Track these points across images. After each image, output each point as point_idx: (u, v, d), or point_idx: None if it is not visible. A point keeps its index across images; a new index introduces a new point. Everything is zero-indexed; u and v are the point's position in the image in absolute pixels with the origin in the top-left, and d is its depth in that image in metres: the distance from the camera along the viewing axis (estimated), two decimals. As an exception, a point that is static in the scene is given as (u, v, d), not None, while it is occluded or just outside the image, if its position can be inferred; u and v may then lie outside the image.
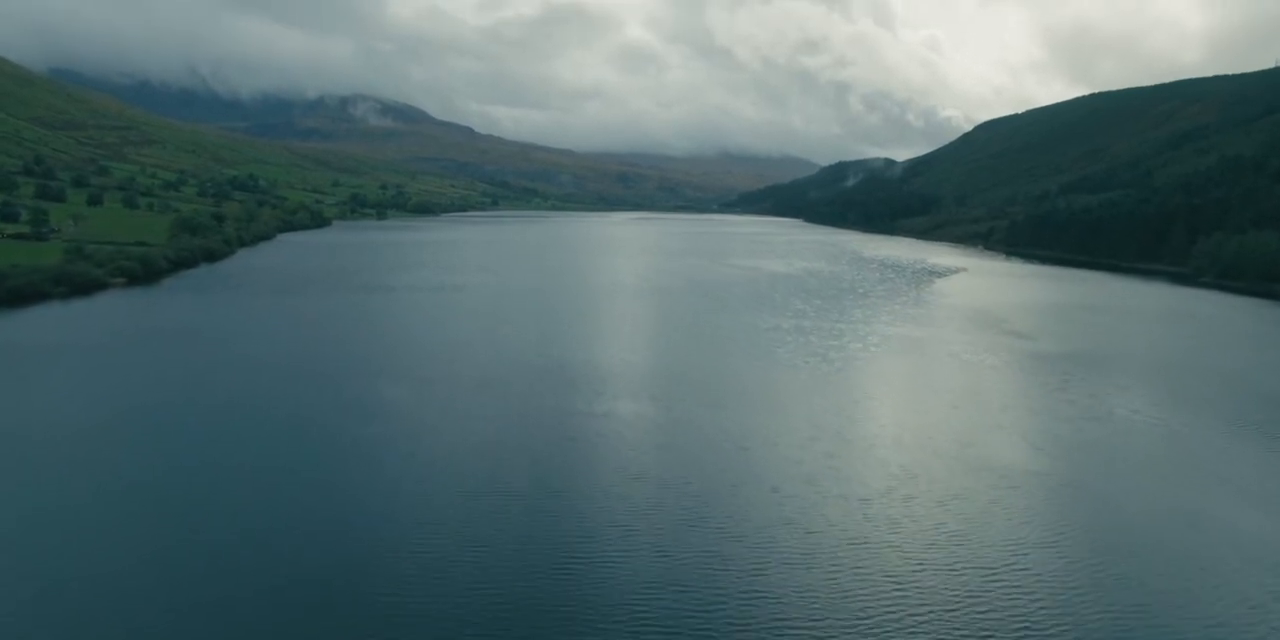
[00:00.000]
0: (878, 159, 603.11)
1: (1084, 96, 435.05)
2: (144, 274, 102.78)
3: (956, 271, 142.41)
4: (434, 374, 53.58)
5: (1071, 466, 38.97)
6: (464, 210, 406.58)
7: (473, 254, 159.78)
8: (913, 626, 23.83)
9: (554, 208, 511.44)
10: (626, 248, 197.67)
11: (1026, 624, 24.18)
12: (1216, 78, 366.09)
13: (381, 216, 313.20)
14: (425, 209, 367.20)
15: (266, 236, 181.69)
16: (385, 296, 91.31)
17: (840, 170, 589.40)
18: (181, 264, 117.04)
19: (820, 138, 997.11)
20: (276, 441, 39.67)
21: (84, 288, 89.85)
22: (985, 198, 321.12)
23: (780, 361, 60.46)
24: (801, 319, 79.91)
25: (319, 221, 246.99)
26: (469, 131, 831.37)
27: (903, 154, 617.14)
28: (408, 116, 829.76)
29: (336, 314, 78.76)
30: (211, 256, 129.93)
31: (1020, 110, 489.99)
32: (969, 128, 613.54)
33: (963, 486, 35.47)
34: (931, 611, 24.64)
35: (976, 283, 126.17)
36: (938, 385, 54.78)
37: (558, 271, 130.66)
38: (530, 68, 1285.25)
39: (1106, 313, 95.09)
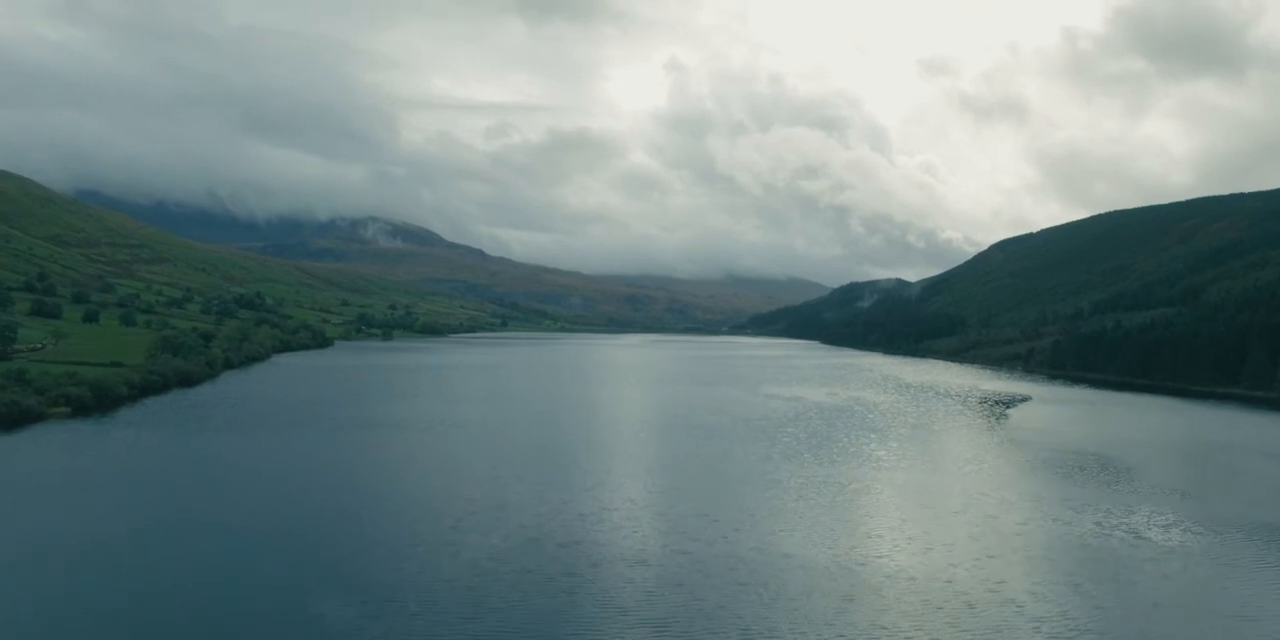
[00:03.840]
0: (889, 279, 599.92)
1: (1102, 214, 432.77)
2: (95, 402, 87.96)
3: (1021, 400, 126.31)
4: (404, 574, 36.38)
5: None
6: (472, 331, 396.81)
7: (477, 380, 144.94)
8: None
9: (563, 329, 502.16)
10: (646, 374, 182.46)
11: None
12: (1234, 195, 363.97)
13: (387, 337, 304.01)
14: (432, 330, 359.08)
15: (260, 357, 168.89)
16: (367, 435, 75.13)
17: (853, 291, 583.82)
18: (149, 389, 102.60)
19: (823, 259, 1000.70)
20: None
21: (12, 419, 74.81)
22: (1011, 318, 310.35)
23: (902, 543, 43.69)
24: (892, 471, 63.38)
25: (320, 342, 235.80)
26: (480, 253, 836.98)
27: (907, 274, 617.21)
28: (419, 238, 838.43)
29: (297, 462, 62.64)
30: (188, 380, 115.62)
31: (1020, 231, 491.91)
32: (970, 248, 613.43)
33: None
34: None
35: (1056, 414, 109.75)
36: (1170, 603, 37.76)
37: (574, 403, 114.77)
38: (537, 192, 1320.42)
39: (1255, 455, 78.12)
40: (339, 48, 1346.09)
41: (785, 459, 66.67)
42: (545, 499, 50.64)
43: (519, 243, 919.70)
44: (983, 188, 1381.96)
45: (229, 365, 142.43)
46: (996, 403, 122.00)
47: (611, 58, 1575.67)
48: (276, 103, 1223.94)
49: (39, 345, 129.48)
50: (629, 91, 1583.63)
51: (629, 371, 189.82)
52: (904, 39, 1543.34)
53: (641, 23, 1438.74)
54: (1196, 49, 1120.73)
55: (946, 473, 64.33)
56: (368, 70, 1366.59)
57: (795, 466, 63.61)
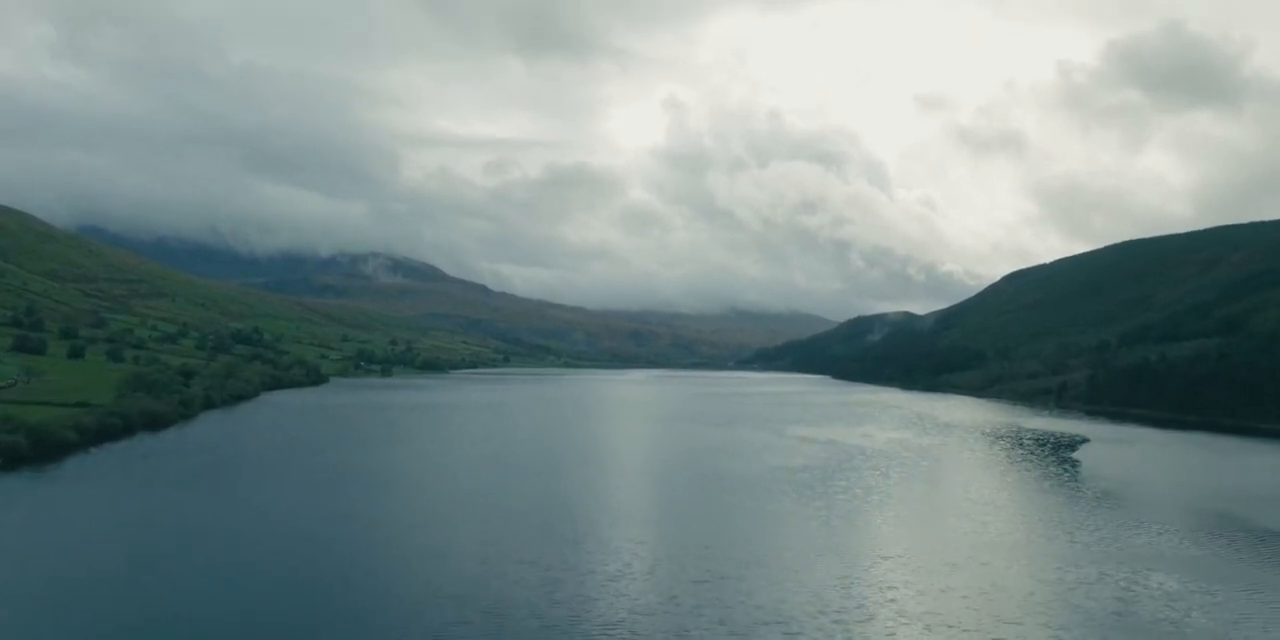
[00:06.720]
0: (897, 313, 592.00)
1: (1114, 245, 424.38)
2: (32, 450, 76.10)
3: (1080, 441, 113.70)
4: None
5: None
6: (474, 367, 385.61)
7: (476, 421, 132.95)
8: None
9: (567, 365, 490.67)
10: (657, 413, 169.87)
11: None
12: (1249, 224, 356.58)
13: (386, 373, 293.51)
14: (433, 366, 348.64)
15: (246, 395, 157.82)
16: (334, 495, 62.76)
17: (861, 325, 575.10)
18: (105, 433, 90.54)
19: (824, 294, 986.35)
20: None
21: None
22: (1030, 350, 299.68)
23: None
24: (981, 539, 50.86)
25: (315, 378, 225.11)
26: (483, 289, 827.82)
27: (910, 307, 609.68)
28: (421, 274, 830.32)
29: (236, 536, 50.16)
30: (156, 422, 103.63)
31: (1021, 264, 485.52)
32: (971, 281, 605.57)
33: None
34: None
35: (1130, 458, 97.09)
36: None
37: (585, 450, 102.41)
38: (538, 228, 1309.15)
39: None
40: (340, 86, 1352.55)
41: (849, 526, 54.18)
42: (556, 595, 37.64)
43: (521, 278, 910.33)
44: (982, 221, 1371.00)
45: (209, 405, 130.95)
46: (1055, 445, 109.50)
47: (610, 95, 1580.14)
48: (278, 140, 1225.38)
49: (9, 382, 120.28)
50: (628, 128, 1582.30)
51: (640, 410, 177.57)
52: (901, 75, 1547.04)
53: (640, 61, 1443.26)
54: (1192, 81, 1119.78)
55: (1055, 541, 51.83)
56: (369, 108, 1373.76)
57: (865, 539, 51.04)
